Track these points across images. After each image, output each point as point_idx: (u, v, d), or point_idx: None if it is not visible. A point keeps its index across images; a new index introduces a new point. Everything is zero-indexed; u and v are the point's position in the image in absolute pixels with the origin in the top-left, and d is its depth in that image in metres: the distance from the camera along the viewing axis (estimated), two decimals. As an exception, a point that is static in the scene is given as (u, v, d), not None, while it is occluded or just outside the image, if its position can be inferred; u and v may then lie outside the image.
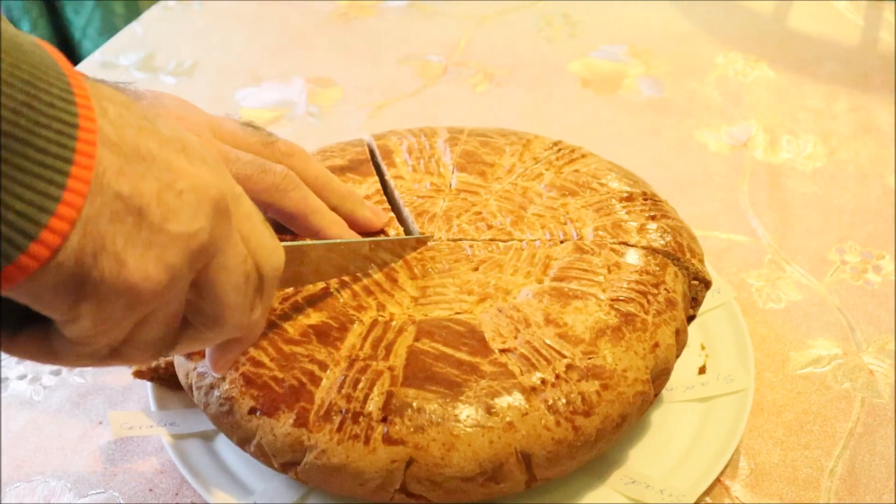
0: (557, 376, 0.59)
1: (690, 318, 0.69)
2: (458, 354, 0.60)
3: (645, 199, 0.72)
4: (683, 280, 0.68)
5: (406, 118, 1.09)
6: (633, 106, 1.11)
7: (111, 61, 1.20)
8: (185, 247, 0.42)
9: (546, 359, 0.60)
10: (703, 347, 0.74)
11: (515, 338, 0.61)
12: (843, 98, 1.11)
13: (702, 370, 0.73)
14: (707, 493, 0.66)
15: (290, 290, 0.65)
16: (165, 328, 0.45)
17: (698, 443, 0.67)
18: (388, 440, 0.57)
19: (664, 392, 0.70)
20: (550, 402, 0.58)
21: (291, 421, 0.59)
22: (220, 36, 1.26)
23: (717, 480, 0.67)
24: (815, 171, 1.00)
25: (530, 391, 0.59)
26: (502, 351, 0.61)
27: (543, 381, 0.59)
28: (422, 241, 0.69)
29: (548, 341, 0.61)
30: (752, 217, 0.93)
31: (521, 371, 0.60)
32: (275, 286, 0.51)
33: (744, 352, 0.73)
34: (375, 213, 0.70)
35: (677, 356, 0.65)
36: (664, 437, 0.68)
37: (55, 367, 0.77)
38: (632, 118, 1.09)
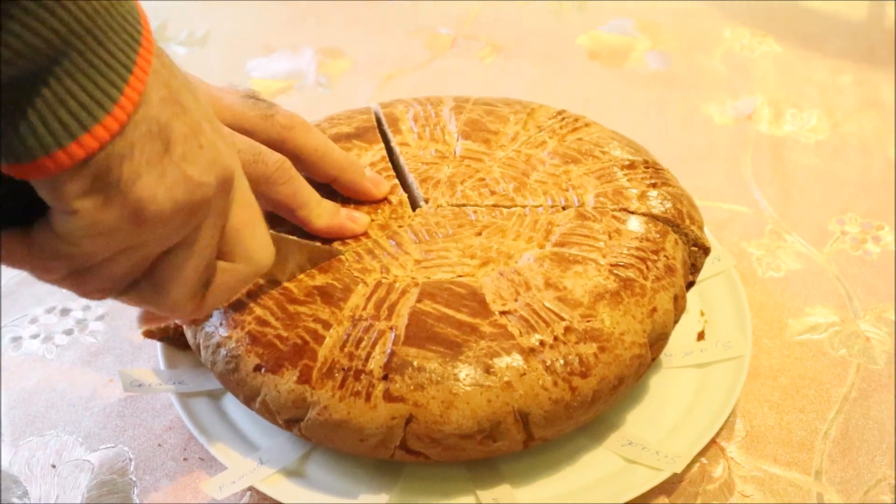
0: (556, 338, 0.61)
1: (690, 285, 0.70)
2: (459, 315, 0.62)
3: (646, 167, 0.74)
4: (683, 247, 0.69)
5: (415, 89, 1.10)
6: (640, 79, 1.12)
7: (124, 31, 1.21)
8: (191, 191, 0.45)
9: (545, 321, 0.61)
10: (702, 314, 0.75)
11: (515, 300, 0.63)
12: (848, 72, 1.12)
13: (700, 336, 0.74)
14: (703, 453, 0.67)
15: None
16: (130, 270, 0.48)
17: (695, 407, 0.68)
18: (388, 397, 0.59)
19: (663, 357, 0.71)
20: (548, 363, 0.60)
21: (295, 378, 0.60)
22: (232, 6, 1.28)
23: (714, 442, 0.68)
24: (819, 143, 1.00)
25: (529, 352, 0.60)
26: (502, 313, 0.62)
27: (542, 343, 0.60)
28: (332, 254, 0.67)
29: (547, 304, 0.62)
30: (754, 188, 0.94)
31: (521, 332, 0.61)
32: (247, 281, 0.56)
33: (742, 319, 0.74)
34: (376, 183, 0.71)
35: (675, 322, 0.67)
36: (661, 401, 0.69)
37: (68, 327, 0.79)
38: (638, 91, 1.10)
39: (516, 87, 1.11)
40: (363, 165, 0.72)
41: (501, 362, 0.59)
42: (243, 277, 0.55)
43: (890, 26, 1.21)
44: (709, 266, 0.75)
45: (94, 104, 0.41)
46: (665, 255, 0.67)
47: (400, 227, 0.69)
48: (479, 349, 0.60)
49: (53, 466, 0.68)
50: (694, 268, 0.71)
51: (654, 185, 0.72)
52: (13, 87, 0.39)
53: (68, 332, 0.79)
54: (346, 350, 0.60)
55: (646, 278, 0.65)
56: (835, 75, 1.11)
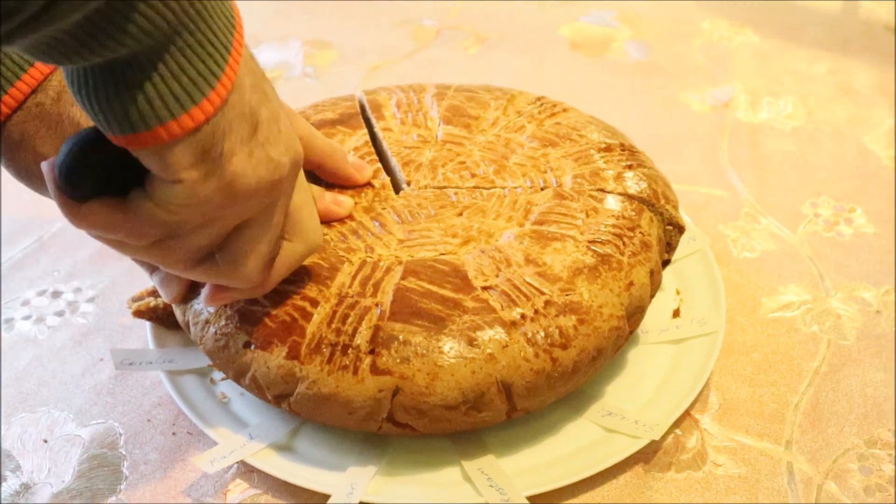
0: (536, 311, 0.62)
1: (665, 263, 0.72)
2: (443, 291, 0.64)
3: (622, 150, 0.76)
4: (658, 225, 0.71)
5: (400, 80, 1.12)
6: (620, 68, 1.14)
7: (112, 23, 1.22)
8: (271, 170, 0.51)
9: (525, 295, 0.63)
10: (678, 292, 0.78)
11: (497, 276, 0.65)
12: (823, 62, 1.14)
13: (676, 313, 0.76)
14: (677, 424, 0.69)
15: None
16: (210, 241, 0.53)
17: (670, 380, 0.70)
18: (375, 370, 0.60)
19: (640, 333, 0.73)
20: (529, 335, 0.62)
21: (284, 354, 0.62)
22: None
23: (688, 414, 0.70)
24: (794, 130, 1.03)
25: (510, 325, 0.62)
26: (484, 288, 0.64)
27: (523, 316, 0.62)
28: None
29: (527, 279, 0.64)
30: (731, 173, 0.96)
31: (502, 306, 0.63)
32: (302, 259, 0.61)
33: (716, 296, 0.76)
34: (359, 168, 0.73)
35: (652, 296, 0.69)
36: (639, 374, 0.71)
37: (59, 309, 0.80)
38: (619, 80, 1.12)
39: (500, 77, 1.12)
40: (346, 151, 0.74)
41: (484, 335, 0.61)
42: (300, 255, 0.60)
43: (863, 18, 1.24)
44: (684, 246, 0.77)
45: (202, 80, 0.45)
46: (641, 232, 0.69)
47: (383, 209, 0.71)
48: (463, 323, 0.62)
49: (45, 441, 0.69)
50: (669, 246, 0.73)
51: (629, 167, 0.74)
52: (132, 65, 0.43)
53: (59, 314, 0.80)
54: (333, 326, 0.62)
55: (622, 254, 0.67)
56: (810, 65, 1.14)
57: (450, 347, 0.61)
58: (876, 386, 0.73)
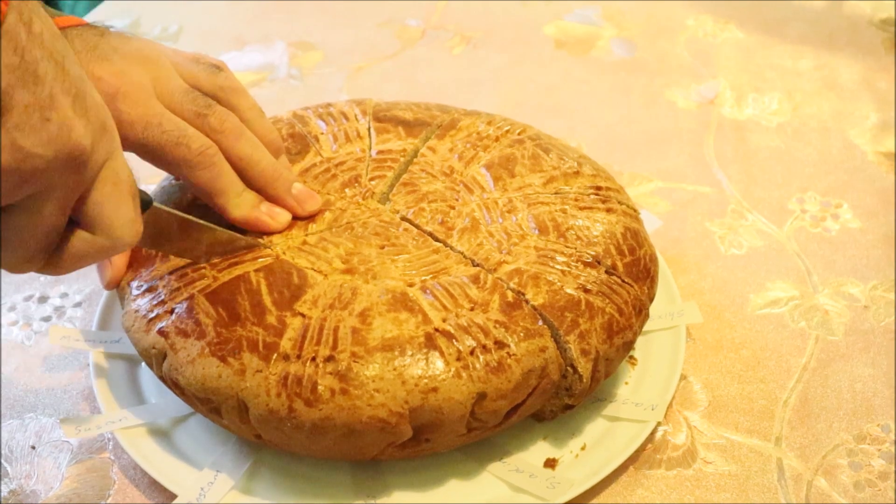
0: (314, 359, 0.60)
1: (567, 407, 0.64)
2: (266, 298, 0.63)
3: (607, 273, 0.66)
4: (555, 361, 0.61)
5: (385, 81, 1.12)
6: (605, 66, 1.14)
7: (96, 26, 1.22)
8: (19, 160, 0.45)
9: (316, 340, 0.61)
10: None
11: (321, 310, 0.62)
12: (808, 57, 1.15)
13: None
14: (666, 422, 0.69)
15: None
16: None
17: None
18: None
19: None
20: (286, 373, 0.59)
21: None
22: (205, 1, 1.29)
23: (677, 411, 0.70)
24: (779, 125, 1.03)
25: (282, 356, 0.60)
26: (297, 314, 0.62)
27: (299, 356, 0.60)
28: (253, 245, 0.67)
29: (336, 326, 0.61)
30: (717, 170, 0.96)
31: (290, 338, 0.61)
32: (107, 253, 0.55)
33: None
34: (301, 200, 0.70)
35: (478, 421, 0.61)
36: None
37: (46, 314, 0.80)
38: (604, 78, 1.12)
39: (485, 76, 1.13)
40: (292, 179, 0.71)
41: (251, 359, 0.60)
42: (101, 248, 0.54)
43: (848, 13, 1.24)
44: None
45: None
46: (508, 353, 0.60)
47: (339, 208, 0.70)
48: (249, 332, 0.61)
49: (33, 448, 0.69)
50: (569, 392, 0.64)
51: (586, 291, 0.64)
52: None
53: (46, 319, 0.80)
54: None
55: (458, 359, 0.59)
56: (795, 60, 1.14)
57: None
58: (864, 381, 0.73)
